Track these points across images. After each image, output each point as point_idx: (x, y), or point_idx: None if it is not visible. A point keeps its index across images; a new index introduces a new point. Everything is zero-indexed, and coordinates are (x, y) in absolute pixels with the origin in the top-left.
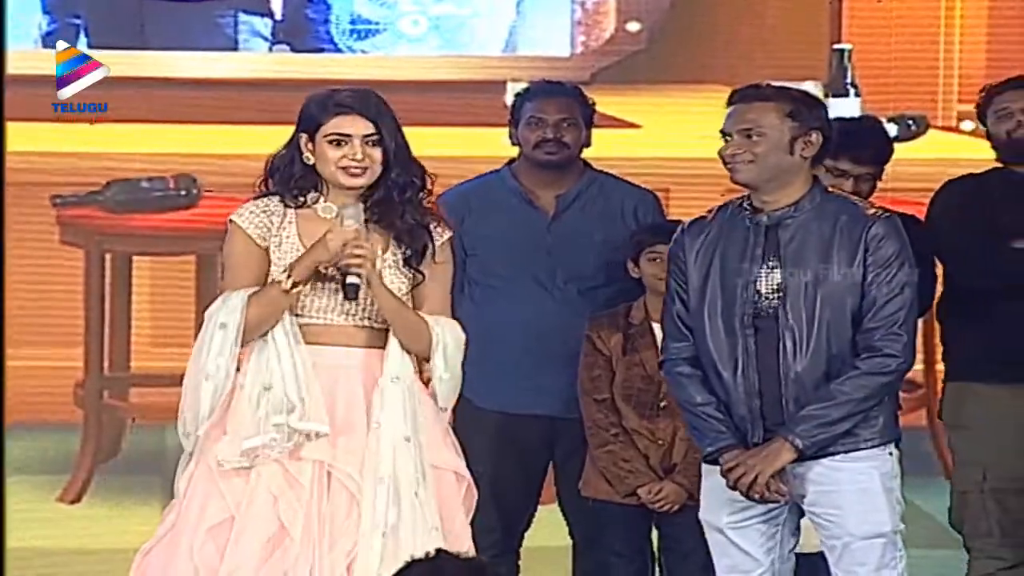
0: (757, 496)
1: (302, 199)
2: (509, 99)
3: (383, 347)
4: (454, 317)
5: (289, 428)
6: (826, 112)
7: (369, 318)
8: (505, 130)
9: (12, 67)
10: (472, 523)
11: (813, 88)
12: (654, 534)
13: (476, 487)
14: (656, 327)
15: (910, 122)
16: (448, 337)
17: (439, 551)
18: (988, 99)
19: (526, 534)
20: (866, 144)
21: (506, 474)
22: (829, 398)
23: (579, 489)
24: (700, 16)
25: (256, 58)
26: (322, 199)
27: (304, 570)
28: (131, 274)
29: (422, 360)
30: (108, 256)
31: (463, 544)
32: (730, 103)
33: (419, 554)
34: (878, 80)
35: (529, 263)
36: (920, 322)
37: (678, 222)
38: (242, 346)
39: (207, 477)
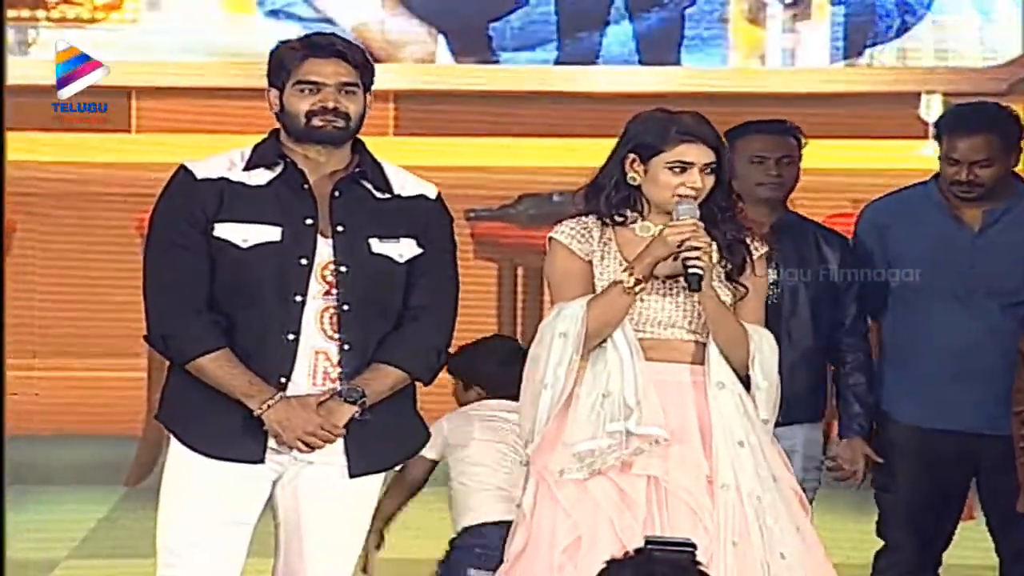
0: None
1: (620, 218)
2: (923, 111)
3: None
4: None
5: (627, 433)
6: None
7: (695, 331)
8: (916, 143)
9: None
10: (882, 537)
11: None
12: None
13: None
14: None
15: None
16: (765, 345)
17: (646, 549)
18: None
19: (944, 553)
20: None
21: (922, 490)
22: None
23: (1012, 506)
24: None
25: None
26: (640, 219)
27: None
28: (542, 288)
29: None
30: (520, 270)
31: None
32: None
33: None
34: None
35: (949, 277)
36: None
37: None
38: (581, 355)
39: (548, 495)
